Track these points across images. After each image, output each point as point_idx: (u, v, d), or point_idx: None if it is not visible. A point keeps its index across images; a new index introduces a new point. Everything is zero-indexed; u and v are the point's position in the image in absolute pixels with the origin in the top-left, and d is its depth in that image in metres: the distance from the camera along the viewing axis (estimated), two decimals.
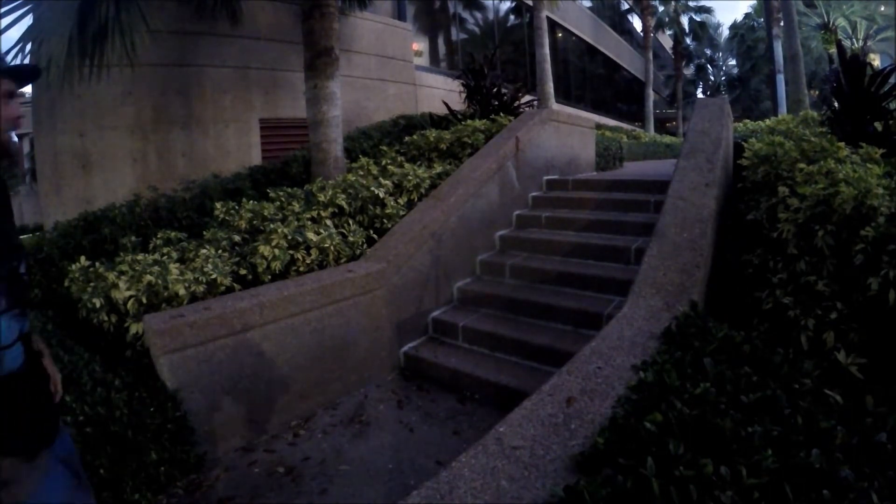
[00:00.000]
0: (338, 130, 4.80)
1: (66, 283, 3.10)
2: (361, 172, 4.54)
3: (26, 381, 1.20)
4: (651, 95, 20.96)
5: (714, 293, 2.74)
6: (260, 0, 6.62)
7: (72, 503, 1.24)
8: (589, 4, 19.70)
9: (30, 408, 1.22)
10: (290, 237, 3.35)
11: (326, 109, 4.69)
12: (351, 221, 3.86)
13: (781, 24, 13.32)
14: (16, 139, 1.26)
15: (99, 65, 4.41)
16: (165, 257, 3.14)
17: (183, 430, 2.36)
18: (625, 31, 24.77)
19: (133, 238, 3.57)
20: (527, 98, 7.49)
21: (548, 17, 11.17)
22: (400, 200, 4.17)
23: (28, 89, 6.21)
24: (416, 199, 4.25)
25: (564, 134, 5.62)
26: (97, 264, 3.03)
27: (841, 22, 20.09)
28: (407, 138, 5.61)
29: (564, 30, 16.76)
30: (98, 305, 2.75)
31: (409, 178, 4.29)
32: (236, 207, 3.78)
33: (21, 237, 1.42)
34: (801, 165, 2.94)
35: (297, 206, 3.75)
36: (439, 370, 3.27)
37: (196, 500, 2.25)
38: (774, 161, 3.20)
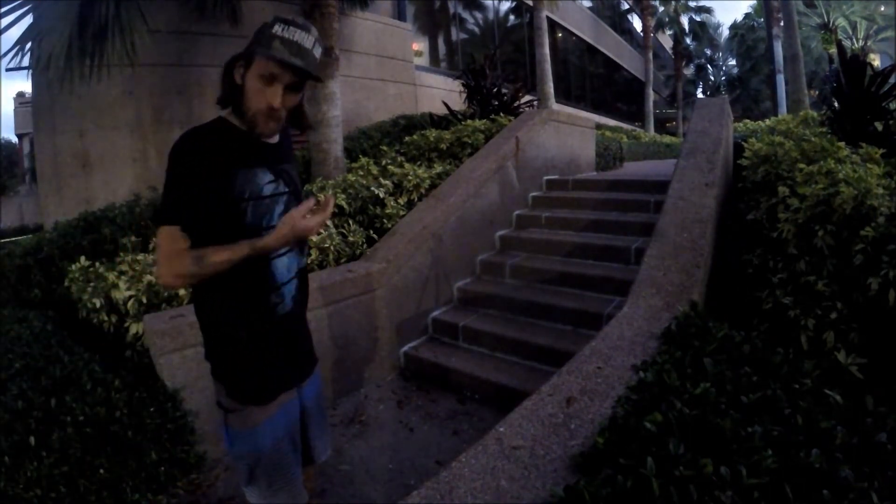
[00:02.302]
0: (338, 130, 4.81)
1: (66, 283, 3.10)
2: (361, 172, 4.54)
3: (295, 317, 1.42)
4: (651, 95, 20.96)
5: (714, 293, 2.74)
6: (260, 0, 6.63)
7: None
8: (589, 4, 19.70)
9: (300, 343, 1.45)
10: None
11: (326, 109, 4.69)
12: (351, 221, 3.86)
13: (781, 24, 13.32)
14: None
15: (99, 65, 4.41)
16: None
17: (183, 429, 2.36)
18: (625, 31, 24.76)
19: (133, 238, 3.57)
20: (527, 98, 7.49)
21: (548, 17, 11.17)
22: (400, 200, 4.17)
23: (28, 89, 6.19)
24: (416, 199, 4.25)
25: (564, 134, 5.62)
26: (97, 264, 3.03)
27: (841, 22, 20.10)
28: (407, 138, 5.61)
29: (564, 30, 16.76)
30: (98, 305, 2.75)
31: (409, 178, 4.29)
32: None
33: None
34: (801, 165, 2.94)
35: None
36: (439, 370, 3.27)
37: (196, 500, 2.25)
38: (774, 161, 3.21)
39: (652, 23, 22.45)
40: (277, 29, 1.22)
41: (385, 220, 3.94)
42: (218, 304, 1.34)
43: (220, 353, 1.38)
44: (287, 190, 1.35)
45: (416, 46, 9.96)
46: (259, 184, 1.28)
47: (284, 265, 1.35)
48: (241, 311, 1.33)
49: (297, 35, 1.23)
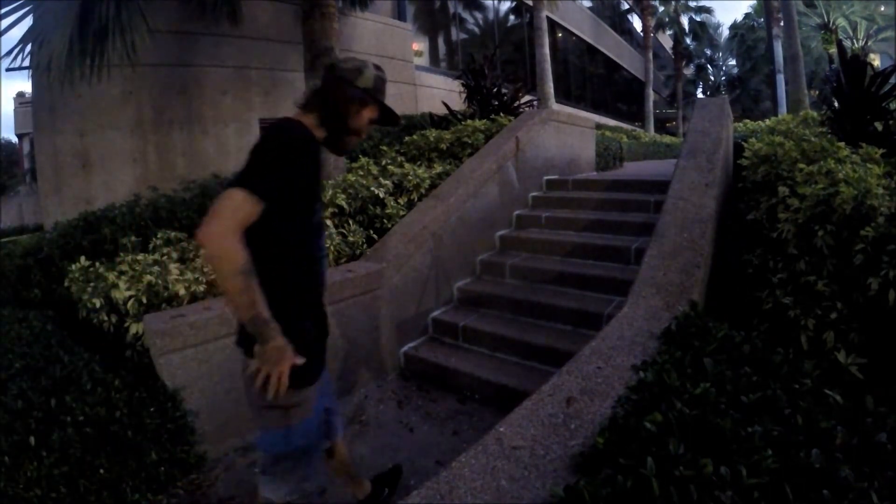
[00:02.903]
0: None
1: (66, 283, 3.10)
2: (361, 172, 4.53)
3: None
4: (651, 95, 20.95)
5: (714, 293, 2.74)
6: (260, 0, 6.63)
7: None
8: (589, 4, 19.70)
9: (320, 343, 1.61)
10: None
11: None
12: (351, 221, 3.86)
13: (781, 24, 13.32)
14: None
15: (99, 65, 4.41)
16: (165, 257, 3.14)
17: (183, 430, 2.36)
18: (625, 31, 24.77)
19: (133, 238, 3.57)
20: (527, 98, 7.49)
21: (548, 17, 11.17)
22: (400, 200, 4.17)
23: (28, 89, 6.20)
24: (416, 199, 4.24)
25: (564, 134, 5.62)
26: (97, 264, 3.03)
27: (841, 22, 20.10)
28: (407, 138, 5.61)
29: (564, 30, 16.76)
30: (98, 305, 2.75)
31: (409, 178, 4.28)
32: None
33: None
34: (801, 165, 2.93)
35: None
36: (439, 370, 3.27)
37: (196, 500, 2.25)
38: (774, 161, 3.20)
39: (652, 23, 22.45)
40: (386, 86, 1.63)
41: (385, 220, 3.94)
42: (291, 294, 1.45)
43: (296, 341, 1.39)
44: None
45: (416, 46, 9.96)
46: (320, 190, 1.55)
47: (324, 267, 1.58)
48: (308, 300, 1.52)
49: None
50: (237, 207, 1.26)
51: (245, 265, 1.24)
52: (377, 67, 1.62)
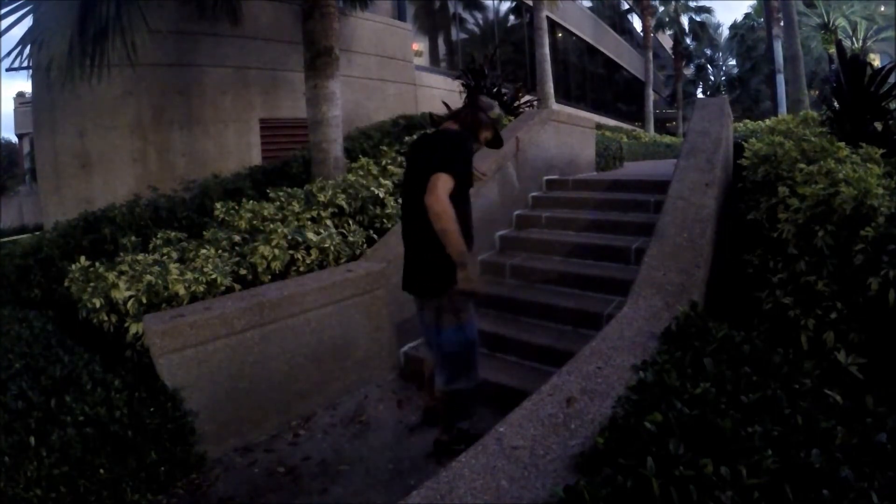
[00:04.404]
0: (338, 130, 4.80)
1: (66, 283, 3.10)
2: (361, 172, 4.54)
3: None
4: (651, 95, 20.98)
5: (714, 293, 2.74)
6: (260, 0, 6.63)
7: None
8: (589, 4, 19.71)
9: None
10: (290, 237, 3.35)
11: (326, 109, 4.69)
12: (351, 221, 3.86)
13: (781, 24, 13.32)
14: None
15: (99, 65, 4.41)
16: (165, 257, 3.14)
17: (183, 430, 2.36)
18: (625, 31, 24.78)
19: (133, 238, 3.57)
20: (527, 98, 7.48)
21: (548, 17, 11.17)
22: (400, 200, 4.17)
23: (28, 89, 6.21)
24: None
25: (564, 134, 5.62)
26: (97, 264, 3.03)
27: (841, 22, 20.09)
28: (407, 138, 5.61)
29: (564, 30, 16.77)
30: (98, 305, 2.75)
31: None
32: (236, 207, 3.78)
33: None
34: (801, 165, 2.93)
35: (296, 207, 3.75)
36: None
37: (196, 500, 2.25)
38: (774, 161, 3.20)
39: (652, 23, 22.48)
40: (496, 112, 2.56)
41: (385, 220, 3.94)
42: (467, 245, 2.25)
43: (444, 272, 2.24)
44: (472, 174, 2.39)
45: (416, 46, 9.96)
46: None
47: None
48: (466, 243, 2.25)
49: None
50: (446, 181, 2.09)
51: (456, 219, 2.08)
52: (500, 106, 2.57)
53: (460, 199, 2.22)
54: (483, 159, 4.39)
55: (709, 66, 32.83)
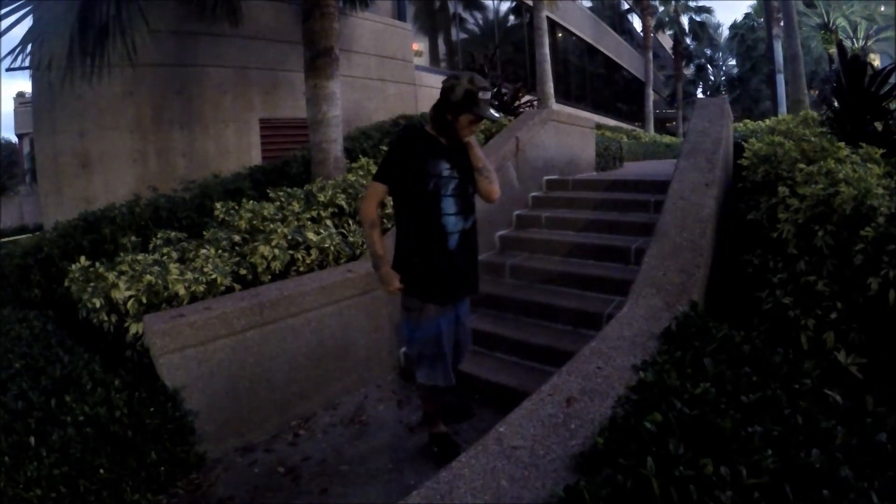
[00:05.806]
0: (338, 130, 4.80)
1: (66, 283, 3.10)
2: (361, 172, 4.54)
3: (459, 256, 2.32)
4: (651, 95, 20.96)
5: (714, 293, 2.74)
6: (260, 0, 6.63)
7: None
8: (589, 4, 19.70)
9: (464, 269, 2.37)
10: (289, 237, 3.35)
11: (326, 109, 4.69)
12: (351, 221, 3.86)
13: (781, 24, 13.32)
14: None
15: (99, 65, 4.40)
16: (165, 257, 3.13)
17: (183, 430, 2.36)
18: (625, 31, 24.77)
19: (133, 238, 3.57)
20: (527, 98, 7.49)
21: (548, 17, 11.16)
22: None
23: (28, 89, 6.22)
24: None
25: (564, 134, 5.62)
26: (97, 264, 3.03)
27: (841, 22, 20.10)
28: None
29: (564, 30, 16.76)
30: (98, 305, 2.75)
31: None
32: (236, 207, 3.78)
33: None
34: (801, 165, 2.93)
35: (296, 206, 3.75)
36: None
37: (196, 500, 2.25)
38: (774, 161, 3.20)
39: (652, 23, 22.46)
40: (480, 94, 2.12)
41: (385, 220, 3.94)
42: (410, 240, 2.32)
43: (408, 271, 2.30)
44: (458, 175, 2.27)
45: (416, 46, 9.95)
46: (440, 168, 2.23)
47: (451, 223, 2.27)
48: (423, 246, 2.28)
49: (489, 95, 2.18)
50: (372, 192, 2.30)
51: (373, 224, 2.27)
52: (471, 81, 2.13)
53: (422, 200, 2.23)
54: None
55: (709, 66, 32.82)
